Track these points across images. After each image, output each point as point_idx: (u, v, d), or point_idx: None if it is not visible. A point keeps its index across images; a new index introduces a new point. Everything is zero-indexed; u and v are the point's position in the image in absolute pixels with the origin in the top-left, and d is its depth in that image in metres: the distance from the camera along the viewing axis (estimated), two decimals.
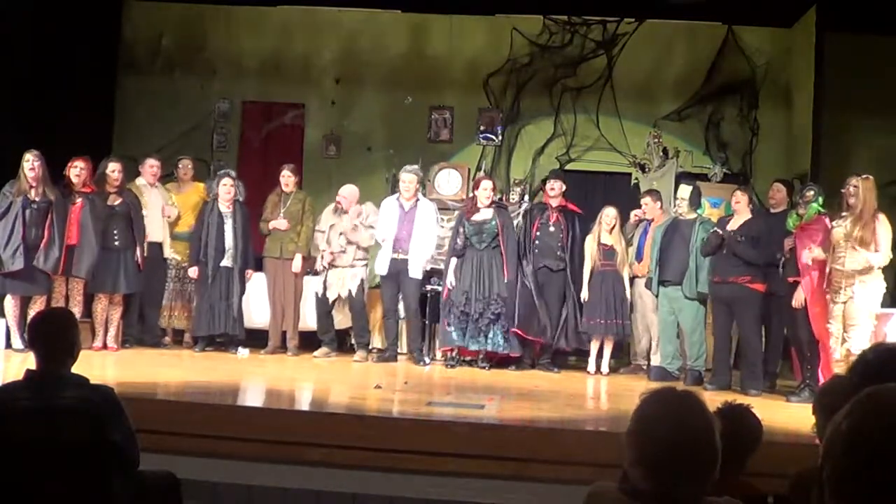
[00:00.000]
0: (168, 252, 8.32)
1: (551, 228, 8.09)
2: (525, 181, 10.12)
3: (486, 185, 8.10)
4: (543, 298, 7.97)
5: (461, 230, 7.98)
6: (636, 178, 9.98)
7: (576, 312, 8.01)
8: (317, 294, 8.23)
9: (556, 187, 8.17)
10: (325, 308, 8.23)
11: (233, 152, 10.51)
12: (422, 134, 10.31)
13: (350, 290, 8.13)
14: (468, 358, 8.10)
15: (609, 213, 8.14)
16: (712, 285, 7.28)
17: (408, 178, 8.14)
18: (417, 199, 8.20)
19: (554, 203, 8.17)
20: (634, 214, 8.29)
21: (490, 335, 7.80)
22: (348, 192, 8.28)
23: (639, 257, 8.19)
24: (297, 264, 8.22)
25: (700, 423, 1.95)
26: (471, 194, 8.45)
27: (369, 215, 8.26)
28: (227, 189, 8.16)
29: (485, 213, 8.00)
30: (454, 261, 7.96)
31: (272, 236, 8.31)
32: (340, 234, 8.13)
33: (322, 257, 8.21)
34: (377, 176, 10.09)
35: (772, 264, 7.08)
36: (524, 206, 9.05)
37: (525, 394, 6.64)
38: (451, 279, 7.92)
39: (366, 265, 8.31)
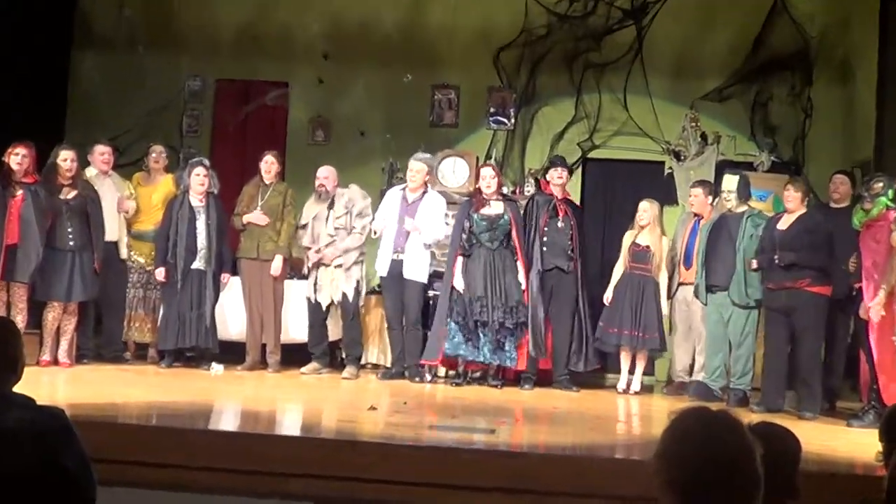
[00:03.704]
0: (125, 252, 8.31)
1: (560, 224, 8.08)
2: (542, 171, 10.09)
3: (485, 172, 8.12)
4: (556, 306, 7.98)
5: (467, 225, 7.96)
6: (670, 168, 9.95)
7: (586, 324, 8.00)
8: (308, 300, 8.23)
9: (563, 176, 8.19)
10: (319, 315, 8.23)
11: (205, 138, 10.50)
12: (423, 117, 10.30)
13: (345, 293, 8.12)
14: (477, 374, 8.08)
15: (640, 208, 8.13)
16: (766, 293, 7.25)
17: (416, 166, 8.14)
18: (425, 192, 8.20)
19: (559, 194, 8.17)
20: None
21: (507, 348, 7.80)
22: (328, 172, 8.28)
23: (687, 262, 8.16)
24: (276, 266, 8.21)
25: (736, 443, 1.96)
26: (476, 186, 8.46)
27: (356, 203, 8.26)
28: (200, 180, 8.15)
29: (496, 207, 7.99)
30: (460, 260, 7.95)
31: (248, 234, 8.30)
32: (334, 230, 8.11)
33: (308, 257, 8.20)
34: (372, 165, 10.07)
35: (829, 266, 7.04)
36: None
37: (543, 416, 6.65)
38: (458, 282, 7.90)
39: (362, 264, 8.30)
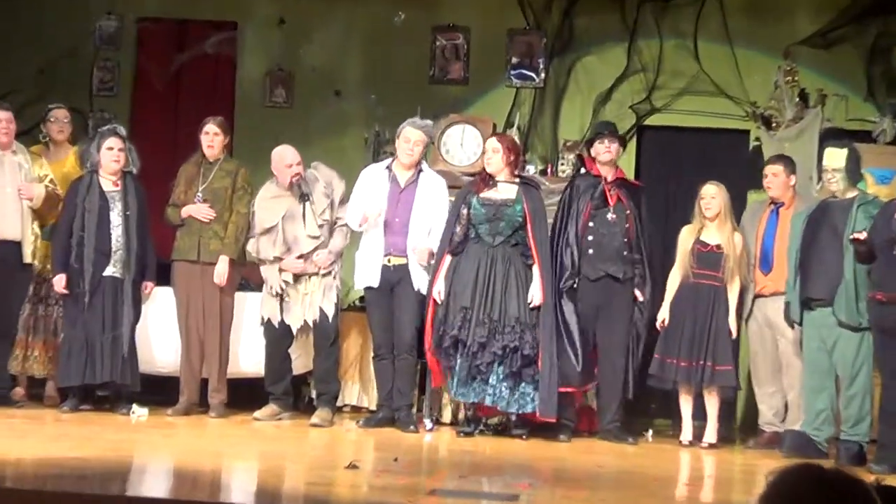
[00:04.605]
0: (30, 256, 8.27)
1: (610, 215, 8.08)
2: (584, 144, 10.09)
3: (489, 144, 8.12)
4: (589, 327, 8.02)
5: (464, 212, 7.96)
6: (757, 139, 9.96)
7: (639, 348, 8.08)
8: (268, 320, 8.23)
9: (612, 149, 8.20)
10: (282, 342, 8.26)
11: (124, 98, 10.58)
12: (420, 70, 10.36)
13: (323, 310, 8.15)
14: (493, 420, 8.08)
15: (706, 193, 8.07)
16: (873, 306, 7.27)
17: (414, 135, 8.17)
18: (420, 171, 8.22)
19: (609, 175, 8.15)
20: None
21: (492, 381, 7.71)
22: (297, 155, 8.30)
23: (765, 266, 8.15)
24: (220, 271, 8.21)
25: None
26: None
27: (334, 187, 8.30)
28: (113, 155, 8.17)
29: (506, 190, 7.97)
30: (448, 259, 7.93)
31: (186, 229, 8.33)
32: (318, 228, 8.13)
33: (280, 269, 8.17)
34: (350, 135, 10.12)
35: None
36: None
37: (583, 478, 6.64)
38: (440, 287, 7.88)
39: (338, 273, 8.34)
